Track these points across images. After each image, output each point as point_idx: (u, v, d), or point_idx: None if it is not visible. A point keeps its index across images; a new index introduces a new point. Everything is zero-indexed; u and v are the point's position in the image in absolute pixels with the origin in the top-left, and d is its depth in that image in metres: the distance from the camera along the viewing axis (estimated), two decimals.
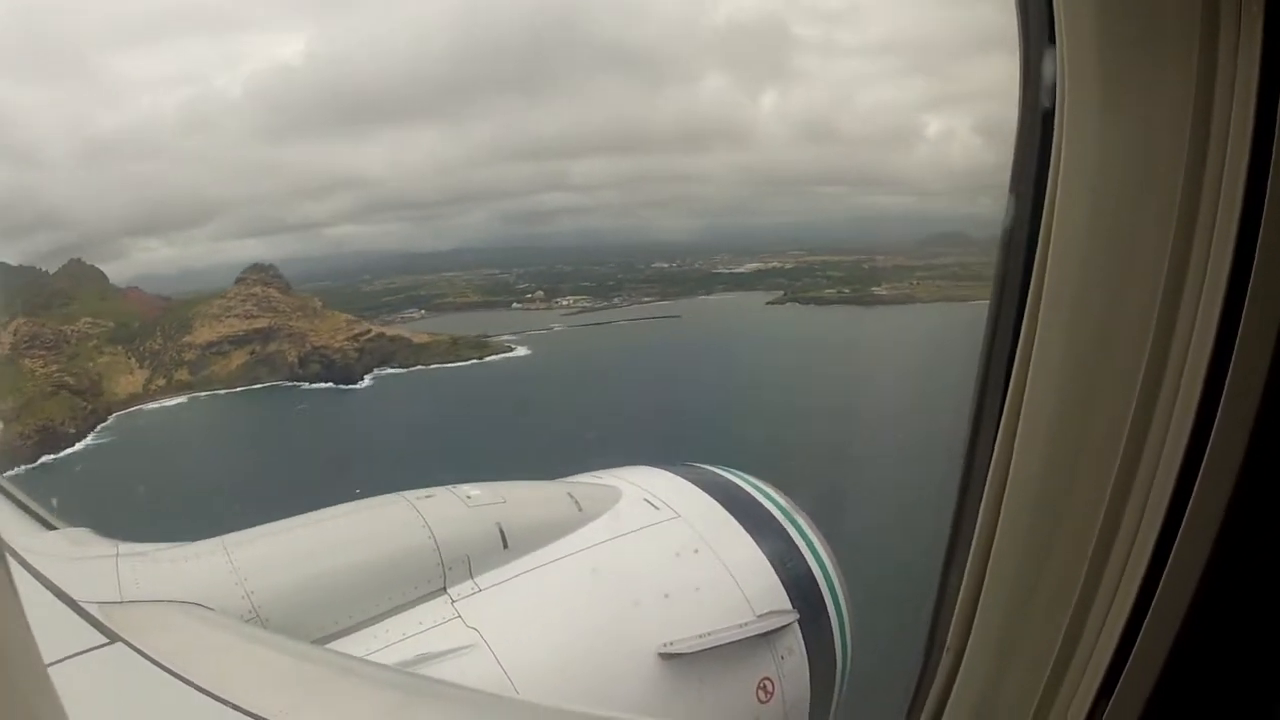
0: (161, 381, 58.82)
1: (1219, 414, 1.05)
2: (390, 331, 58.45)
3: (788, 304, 77.64)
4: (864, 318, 68.80)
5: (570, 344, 63.80)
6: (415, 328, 66.79)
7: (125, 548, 3.54)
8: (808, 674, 3.75)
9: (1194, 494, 1.08)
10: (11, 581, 0.96)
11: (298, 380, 54.82)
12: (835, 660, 3.91)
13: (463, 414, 46.36)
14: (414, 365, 56.77)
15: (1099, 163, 1.17)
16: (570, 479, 4.29)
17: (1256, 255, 1.01)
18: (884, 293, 74.60)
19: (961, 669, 1.44)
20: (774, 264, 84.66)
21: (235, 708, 2.21)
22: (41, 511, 4.15)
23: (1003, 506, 1.32)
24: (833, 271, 79.64)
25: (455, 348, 58.65)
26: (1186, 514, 1.09)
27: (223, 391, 54.65)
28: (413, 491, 3.84)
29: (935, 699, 1.50)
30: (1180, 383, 1.11)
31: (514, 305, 77.39)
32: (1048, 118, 1.23)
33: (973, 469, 1.40)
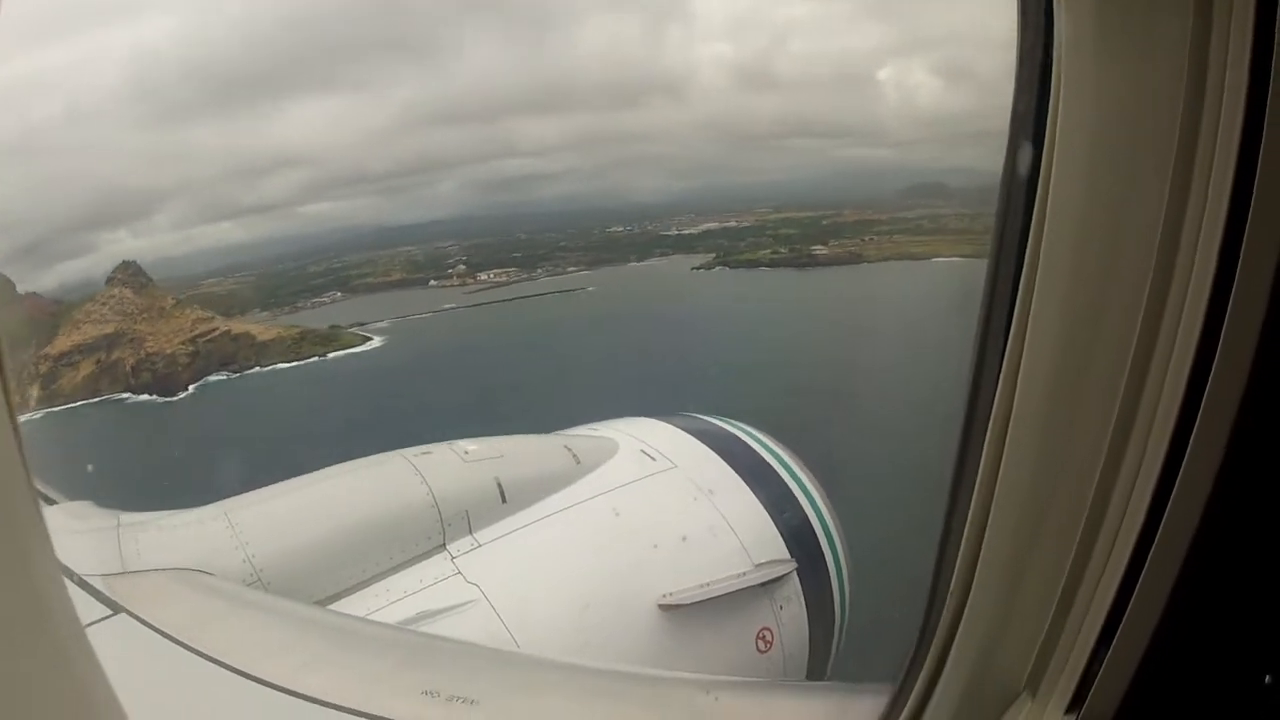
0: (16, 398, 54.16)
1: (1215, 363, 1.11)
2: (236, 329, 52.84)
3: (715, 268, 70.65)
4: (792, 282, 61.52)
5: (444, 329, 57.73)
6: (320, 315, 61.47)
7: (126, 518, 3.49)
8: (806, 623, 3.82)
9: (1194, 433, 1.15)
10: (50, 542, 1.00)
11: (130, 391, 49.52)
12: (834, 608, 3.99)
13: (254, 431, 40.34)
14: (252, 367, 51.07)
15: (1096, 112, 1.21)
16: (567, 431, 4.33)
17: (1252, 205, 1.06)
18: (825, 253, 67.50)
19: (964, 616, 1.49)
20: (731, 223, 77.86)
21: (240, 673, 2.28)
22: (41, 486, 3.86)
23: (1004, 454, 1.37)
24: (787, 229, 72.63)
25: (300, 344, 52.81)
26: (1187, 453, 1.16)
27: (58, 409, 49.56)
28: (410, 449, 3.82)
29: (939, 646, 1.55)
30: (1177, 335, 1.17)
31: (431, 283, 71.95)
32: (1045, 67, 1.25)
33: (974, 422, 1.43)
